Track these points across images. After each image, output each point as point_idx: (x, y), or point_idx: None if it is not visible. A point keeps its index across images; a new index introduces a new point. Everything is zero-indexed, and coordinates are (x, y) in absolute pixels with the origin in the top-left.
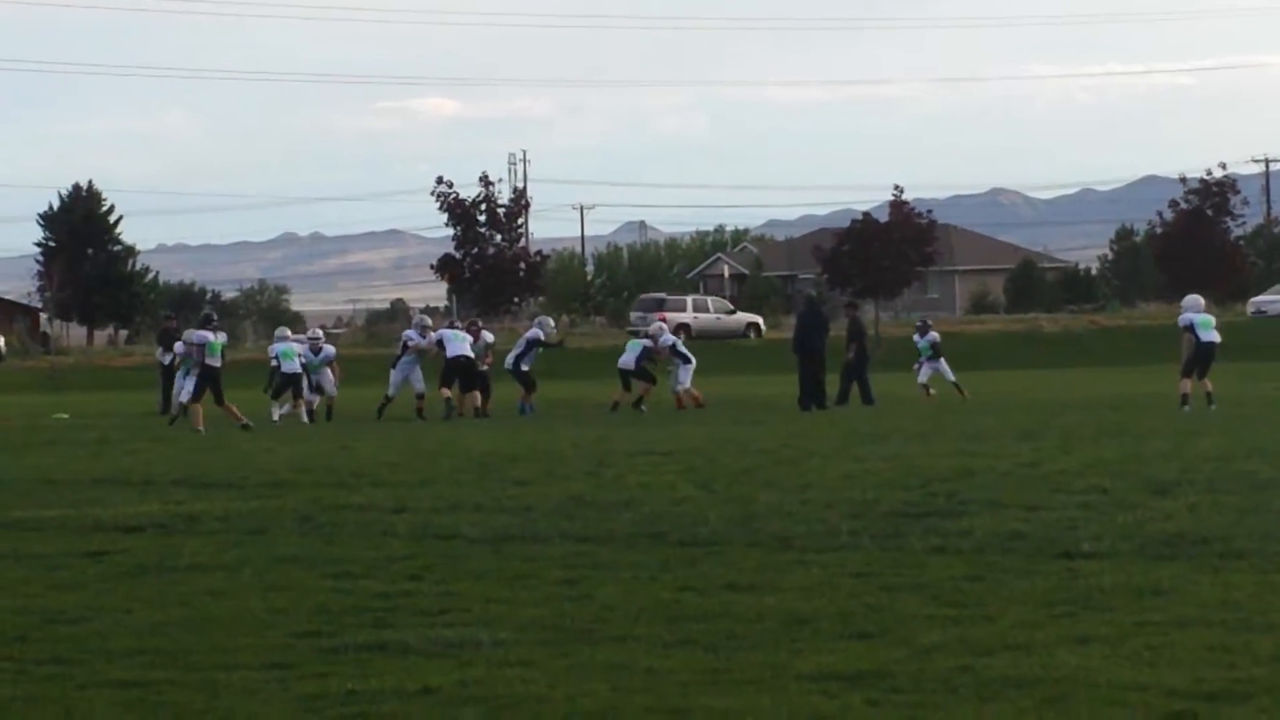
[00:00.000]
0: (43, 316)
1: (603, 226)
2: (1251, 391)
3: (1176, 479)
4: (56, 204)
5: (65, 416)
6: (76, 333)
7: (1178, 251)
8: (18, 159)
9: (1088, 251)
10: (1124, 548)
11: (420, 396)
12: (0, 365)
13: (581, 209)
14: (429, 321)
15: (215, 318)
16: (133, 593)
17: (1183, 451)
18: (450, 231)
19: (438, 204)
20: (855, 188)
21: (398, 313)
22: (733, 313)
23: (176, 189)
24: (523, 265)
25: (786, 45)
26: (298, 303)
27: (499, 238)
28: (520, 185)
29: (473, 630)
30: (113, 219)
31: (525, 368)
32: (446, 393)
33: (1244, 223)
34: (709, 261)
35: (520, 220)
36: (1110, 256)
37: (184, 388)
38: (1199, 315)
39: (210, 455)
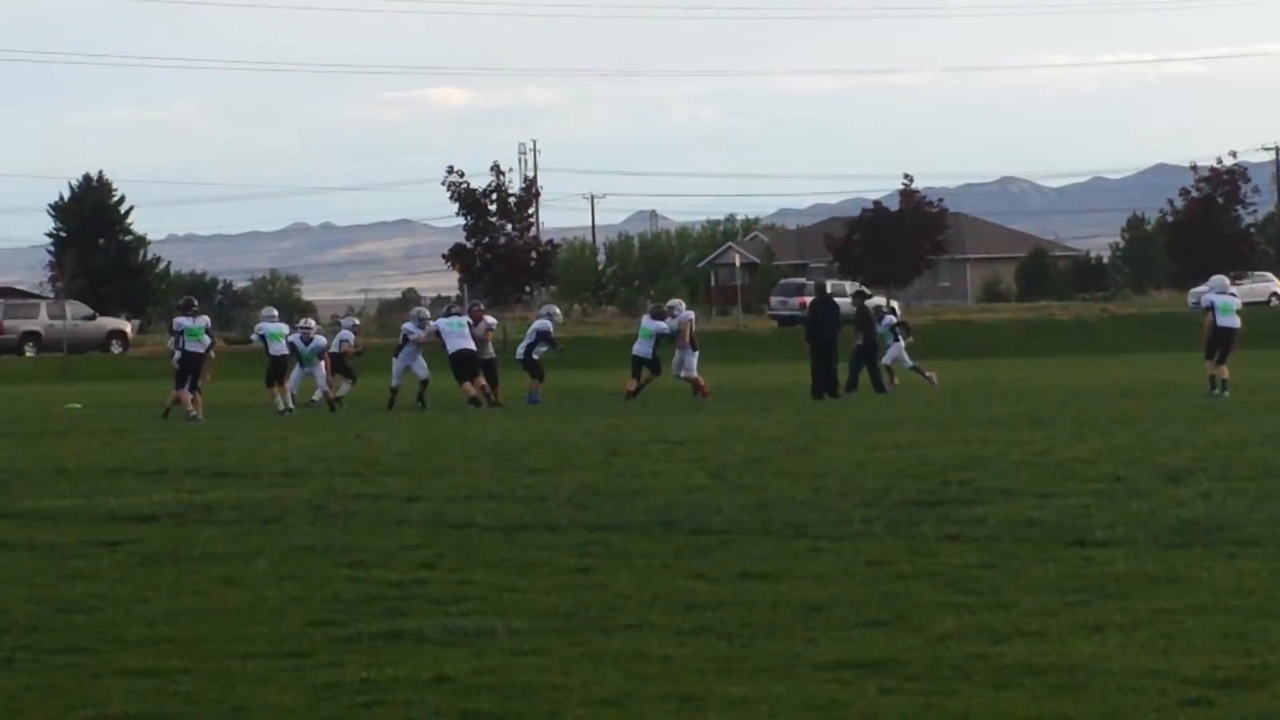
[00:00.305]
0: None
1: (613, 216)
2: (1267, 378)
3: (1190, 466)
4: (67, 194)
5: (78, 406)
6: None
7: (1189, 240)
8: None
9: (1099, 240)
10: (1138, 535)
11: (424, 383)
12: (13, 353)
13: (592, 198)
14: (427, 314)
15: (196, 303)
16: (147, 582)
17: (1196, 438)
18: (461, 221)
19: (449, 193)
20: (866, 176)
21: (409, 302)
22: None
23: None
24: (534, 255)
25: (797, 34)
26: (309, 293)
27: (510, 227)
28: (531, 174)
29: (487, 619)
30: (123, 209)
31: (535, 357)
32: (470, 389)
33: (1255, 211)
34: (720, 250)
35: (531, 210)
36: (1121, 245)
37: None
38: (1220, 297)
39: (224, 444)
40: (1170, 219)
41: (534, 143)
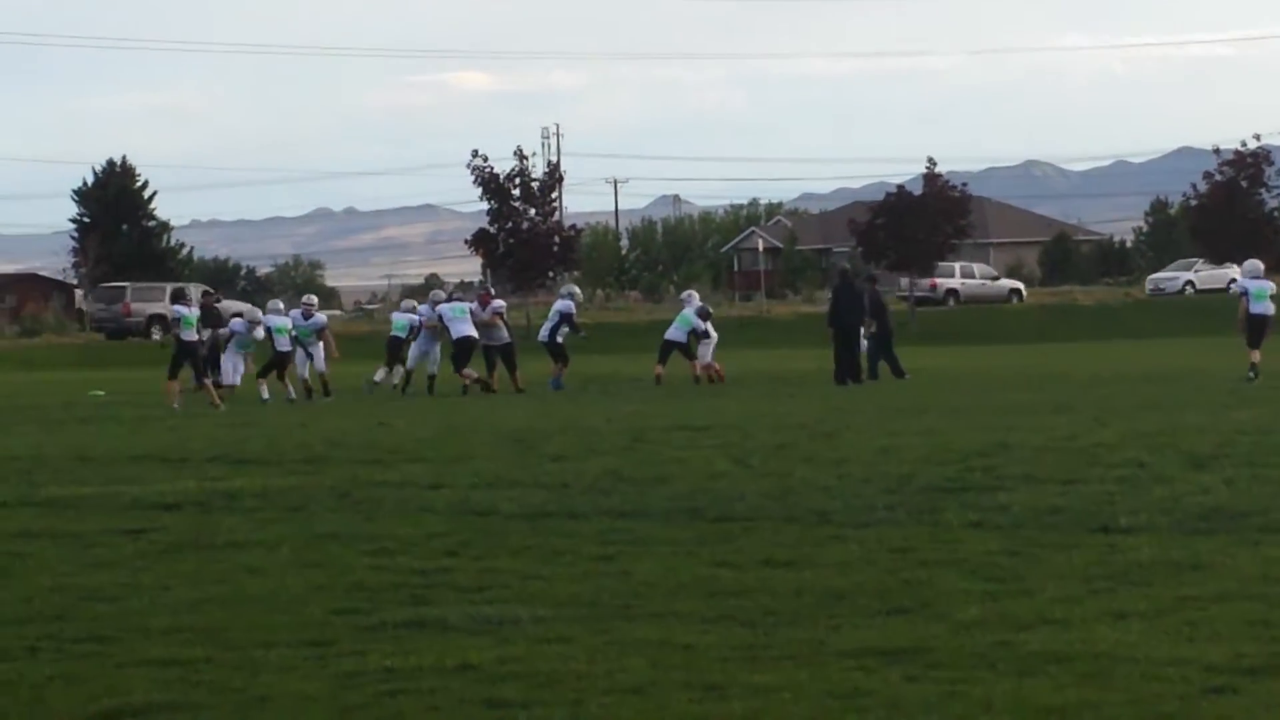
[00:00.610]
0: (78, 293)
1: (637, 200)
2: None
3: (1214, 452)
4: (90, 180)
5: (101, 393)
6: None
7: (1212, 224)
8: (52, 135)
9: (1122, 224)
10: (1162, 522)
11: (432, 377)
12: (37, 340)
13: (615, 183)
14: (442, 296)
15: (189, 293)
16: (170, 570)
17: (1220, 424)
18: (485, 206)
19: (472, 178)
20: (889, 160)
21: (432, 288)
22: (996, 279)
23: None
24: (557, 239)
25: (820, 17)
26: (332, 278)
27: (533, 212)
28: (554, 159)
29: (511, 607)
30: (147, 195)
31: (559, 340)
32: (470, 374)
33: (1279, 194)
34: (743, 235)
35: (554, 194)
36: (1145, 229)
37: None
38: (1254, 283)
39: (247, 431)
40: (1193, 203)
41: (557, 127)
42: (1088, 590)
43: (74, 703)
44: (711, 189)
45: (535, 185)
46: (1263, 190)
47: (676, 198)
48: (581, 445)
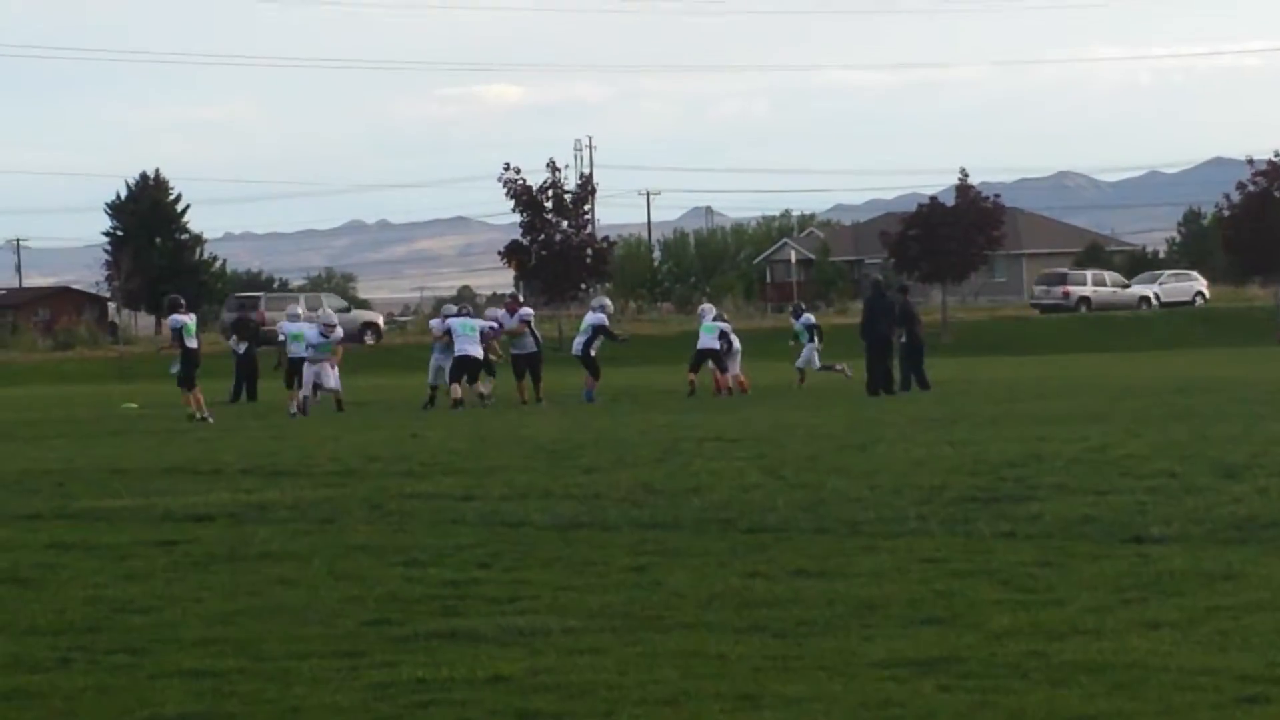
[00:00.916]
0: (111, 306)
1: (669, 212)
2: None
3: (1246, 462)
4: (124, 193)
5: (134, 406)
6: (145, 322)
7: (1246, 234)
8: (85, 149)
9: (1155, 234)
10: (1194, 532)
11: (434, 387)
12: (70, 353)
13: (648, 195)
14: (453, 310)
15: (183, 302)
16: (203, 582)
17: (1252, 434)
18: (517, 218)
19: (505, 190)
20: (921, 172)
21: (464, 299)
22: (1127, 286)
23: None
24: (589, 252)
25: (851, 29)
26: (365, 290)
27: (566, 224)
28: (586, 171)
29: (542, 618)
30: (180, 208)
31: (593, 353)
32: (457, 391)
33: None
34: (775, 246)
35: (587, 206)
36: (1178, 239)
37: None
38: None
39: (279, 444)
40: (1226, 213)
41: (589, 139)
42: (1120, 600)
43: (107, 714)
44: (744, 201)
45: (568, 197)
46: None
47: (709, 209)
48: (613, 457)
